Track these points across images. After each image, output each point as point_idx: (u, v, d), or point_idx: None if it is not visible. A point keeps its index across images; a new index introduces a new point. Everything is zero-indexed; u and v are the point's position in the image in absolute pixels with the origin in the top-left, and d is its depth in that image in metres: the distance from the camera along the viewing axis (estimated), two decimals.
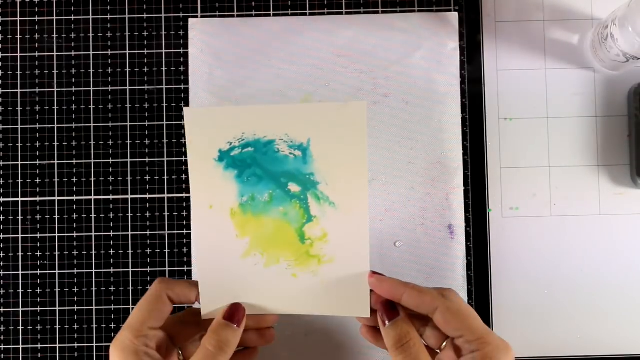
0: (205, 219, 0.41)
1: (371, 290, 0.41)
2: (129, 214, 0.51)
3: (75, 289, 0.51)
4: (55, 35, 0.52)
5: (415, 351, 0.38)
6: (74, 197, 0.51)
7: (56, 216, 0.51)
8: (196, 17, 0.52)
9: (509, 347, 0.37)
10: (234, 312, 0.41)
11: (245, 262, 0.42)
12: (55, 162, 0.52)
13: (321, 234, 0.41)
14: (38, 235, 0.51)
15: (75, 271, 0.51)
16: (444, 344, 0.40)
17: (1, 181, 0.52)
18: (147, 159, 0.51)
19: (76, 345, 0.51)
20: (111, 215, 0.51)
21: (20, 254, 0.51)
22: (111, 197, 0.51)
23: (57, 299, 0.51)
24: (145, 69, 0.52)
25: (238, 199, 0.41)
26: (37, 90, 0.52)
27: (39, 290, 0.51)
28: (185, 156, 0.51)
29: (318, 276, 0.42)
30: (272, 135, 0.41)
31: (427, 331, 0.41)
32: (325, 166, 0.41)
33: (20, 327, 0.51)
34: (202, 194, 0.41)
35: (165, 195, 0.51)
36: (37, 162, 0.52)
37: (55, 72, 0.52)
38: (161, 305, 0.40)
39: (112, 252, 0.51)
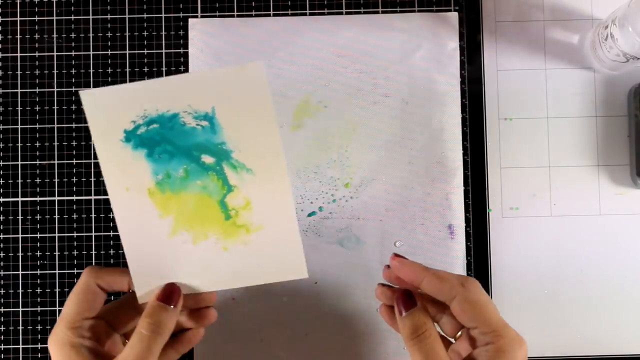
0: (124, 202, 0.40)
1: (388, 266, 0.40)
2: None
3: None
4: (55, 35, 0.52)
5: (431, 342, 0.38)
6: (74, 197, 0.51)
7: (56, 216, 0.51)
8: (196, 17, 0.52)
9: (523, 341, 0.37)
10: (169, 293, 0.40)
11: (173, 241, 0.41)
12: (55, 162, 0.52)
13: (244, 202, 0.40)
14: (38, 235, 0.51)
15: (75, 271, 0.51)
16: (459, 333, 0.40)
17: (1, 181, 0.52)
18: None
19: None
20: (111, 215, 0.51)
21: (20, 254, 0.51)
22: None
23: (57, 299, 0.51)
24: (145, 69, 0.52)
25: (153, 177, 0.40)
26: (37, 90, 0.52)
27: (39, 290, 0.51)
28: None
29: (249, 246, 0.41)
30: (175, 109, 0.39)
31: (443, 318, 0.40)
32: (235, 133, 0.39)
33: (20, 327, 0.51)
34: (116, 177, 0.40)
35: None
36: (37, 162, 0.52)
37: (55, 72, 0.52)
38: (91, 295, 0.40)
39: (111, 252, 0.51)
